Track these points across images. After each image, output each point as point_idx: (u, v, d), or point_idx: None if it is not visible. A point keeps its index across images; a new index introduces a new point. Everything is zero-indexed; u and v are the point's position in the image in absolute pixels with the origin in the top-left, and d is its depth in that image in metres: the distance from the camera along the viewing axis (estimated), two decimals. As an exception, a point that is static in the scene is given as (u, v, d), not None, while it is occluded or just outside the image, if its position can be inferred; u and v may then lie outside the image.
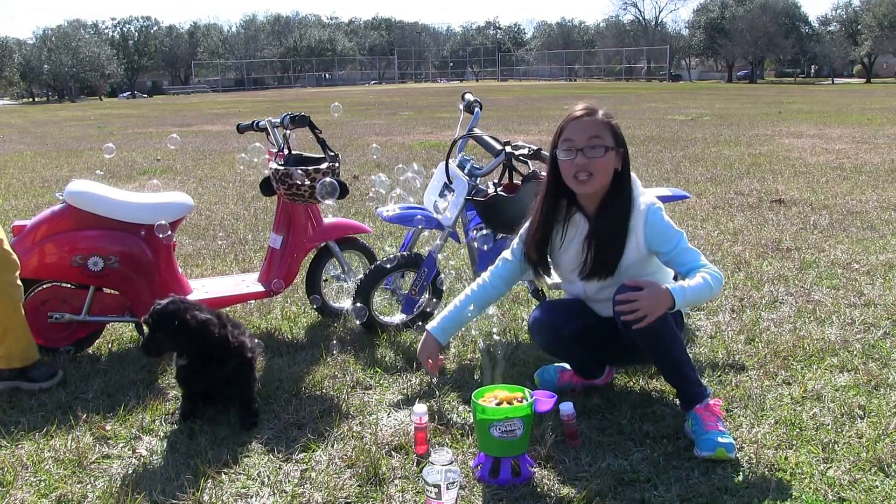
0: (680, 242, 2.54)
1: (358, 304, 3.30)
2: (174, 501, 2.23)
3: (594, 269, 2.59)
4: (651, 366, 3.07)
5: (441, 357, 2.78)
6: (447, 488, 2.10)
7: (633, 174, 2.60)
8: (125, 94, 55.05)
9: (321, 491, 2.26)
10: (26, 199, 7.58)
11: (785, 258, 4.76)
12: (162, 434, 2.64)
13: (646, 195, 2.60)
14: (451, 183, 3.41)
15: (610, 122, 2.54)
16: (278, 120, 3.63)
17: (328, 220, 3.76)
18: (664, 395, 2.85)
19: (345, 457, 2.45)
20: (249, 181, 8.41)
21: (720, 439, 2.38)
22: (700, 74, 71.53)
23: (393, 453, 2.47)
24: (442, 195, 3.45)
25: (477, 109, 3.60)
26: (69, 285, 3.37)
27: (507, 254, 2.82)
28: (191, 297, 3.45)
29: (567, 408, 2.49)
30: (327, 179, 3.06)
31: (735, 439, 2.49)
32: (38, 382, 3.00)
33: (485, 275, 2.83)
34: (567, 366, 2.94)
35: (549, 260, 2.75)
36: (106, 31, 70.88)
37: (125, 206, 3.33)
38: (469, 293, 2.79)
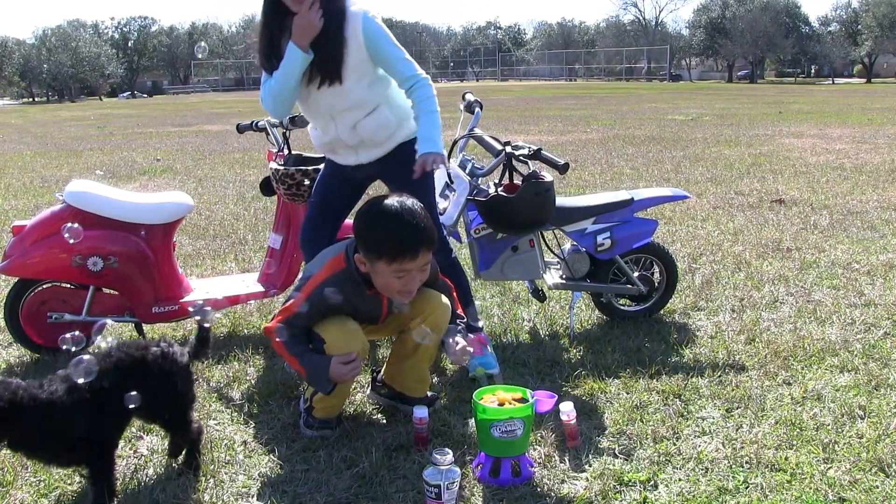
0: (397, 53, 2.80)
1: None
2: (174, 501, 2.23)
3: (322, 74, 2.77)
4: (651, 366, 3.08)
5: None
6: (447, 488, 2.10)
7: None
8: (125, 95, 55.02)
9: (321, 491, 2.26)
10: (26, 199, 7.58)
11: (785, 258, 4.76)
12: (162, 434, 2.64)
13: (357, 4, 2.75)
14: (452, 183, 3.41)
15: None
16: (278, 120, 3.62)
17: None
18: (664, 395, 2.85)
19: (345, 457, 2.45)
20: (249, 181, 8.41)
21: (478, 362, 2.92)
22: (700, 74, 71.41)
23: (393, 453, 2.47)
24: (443, 195, 3.45)
25: (477, 109, 3.60)
26: (69, 285, 3.37)
27: None
28: (191, 297, 3.47)
29: (567, 408, 2.49)
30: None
31: (735, 439, 2.50)
32: None
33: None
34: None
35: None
36: (106, 31, 70.85)
37: (125, 206, 3.33)
38: None
